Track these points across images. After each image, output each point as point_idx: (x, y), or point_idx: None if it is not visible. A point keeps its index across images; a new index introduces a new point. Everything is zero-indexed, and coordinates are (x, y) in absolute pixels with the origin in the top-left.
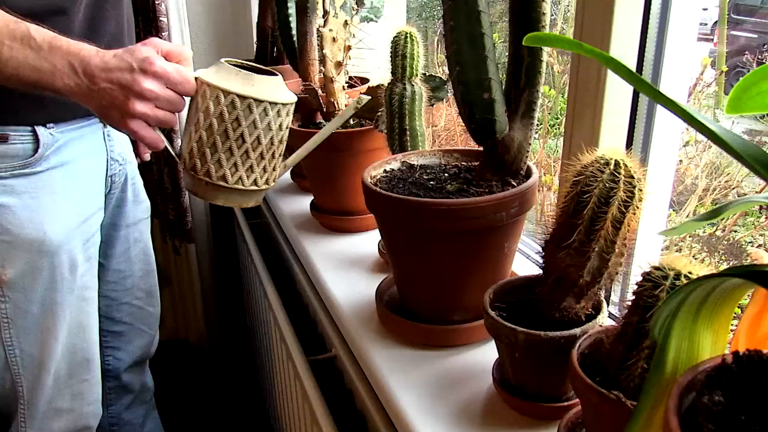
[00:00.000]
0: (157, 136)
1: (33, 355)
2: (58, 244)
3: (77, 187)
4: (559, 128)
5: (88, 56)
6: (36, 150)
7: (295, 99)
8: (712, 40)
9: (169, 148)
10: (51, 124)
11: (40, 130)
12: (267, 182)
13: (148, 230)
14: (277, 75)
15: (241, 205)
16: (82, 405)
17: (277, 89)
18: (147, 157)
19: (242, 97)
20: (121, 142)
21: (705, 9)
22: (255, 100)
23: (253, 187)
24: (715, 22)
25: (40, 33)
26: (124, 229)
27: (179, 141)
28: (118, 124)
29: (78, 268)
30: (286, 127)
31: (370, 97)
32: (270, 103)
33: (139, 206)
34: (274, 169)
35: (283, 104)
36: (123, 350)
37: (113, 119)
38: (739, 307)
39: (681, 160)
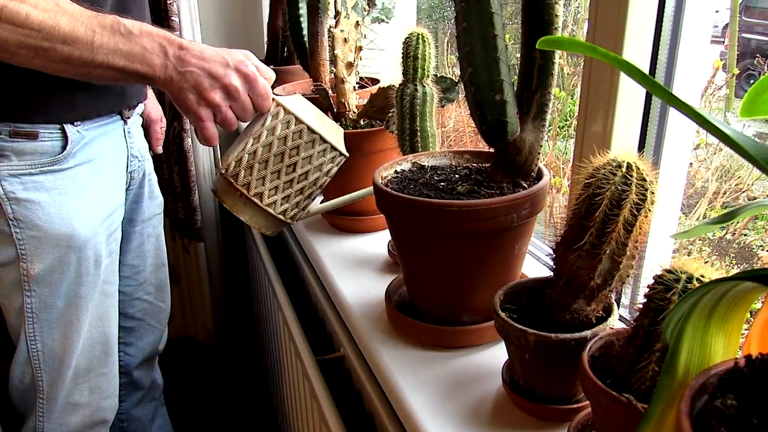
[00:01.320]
0: (216, 132)
1: (54, 350)
2: (85, 239)
3: (102, 183)
4: (568, 130)
5: (182, 42)
6: (64, 147)
7: (347, 155)
8: (723, 42)
9: (218, 149)
10: (78, 122)
11: (68, 127)
12: (293, 218)
13: (161, 225)
14: (340, 129)
15: (261, 228)
16: (99, 399)
17: (340, 138)
18: (159, 149)
19: (312, 131)
20: (139, 139)
21: (716, 11)
22: (321, 138)
23: (280, 216)
24: (726, 24)
25: (128, 21)
26: (139, 224)
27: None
28: (191, 107)
29: (102, 262)
30: (331, 176)
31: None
32: (331, 146)
33: (154, 202)
34: (303, 209)
35: (339, 153)
36: (134, 346)
37: (187, 101)
38: (750, 313)
39: (691, 163)
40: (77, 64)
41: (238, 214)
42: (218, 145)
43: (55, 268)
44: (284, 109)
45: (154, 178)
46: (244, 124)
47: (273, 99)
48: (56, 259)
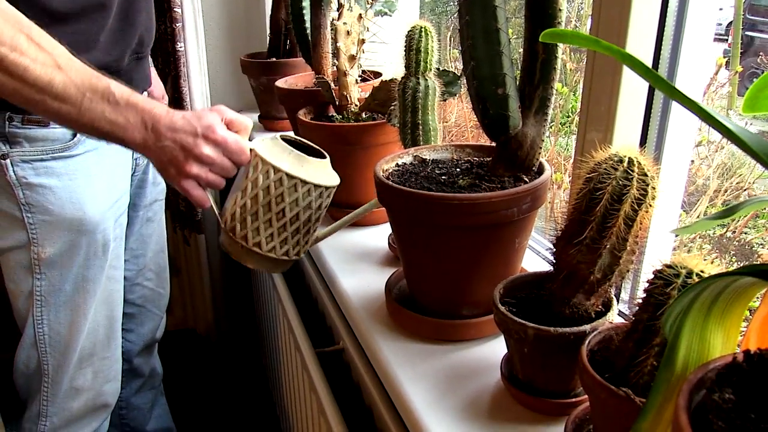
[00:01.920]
0: (205, 195)
1: (61, 333)
2: (95, 223)
3: (109, 169)
4: (570, 126)
5: (159, 115)
6: (75, 134)
7: (337, 182)
8: (727, 40)
9: (215, 208)
10: None
11: None
12: (297, 254)
13: (162, 211)
14: (326, 158)
15: (269, 271)
16: (102, 383)
17: (324, 173)
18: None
19: (290, 177)
20: None
21: (720, 9)
22: (302, 181)
23: (284, 258)
24: (730, 22)
25: (119, 89)
26: (142, 209)
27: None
28: (173, 179)
29: (109, 246)
30: (325, 207)
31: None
32: (314, 185)
33: (157, 187)
34: (306, 243)
35: (326, 187)
36: (135, 332)
37: (169, 174)
38: (748, 310)
39: (693, 161)
40: (65, 119)
41: (245, 263)
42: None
43: (65, 252)
44: (261, 160)
45: None
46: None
47: (251, 150)
48: (67, 242)
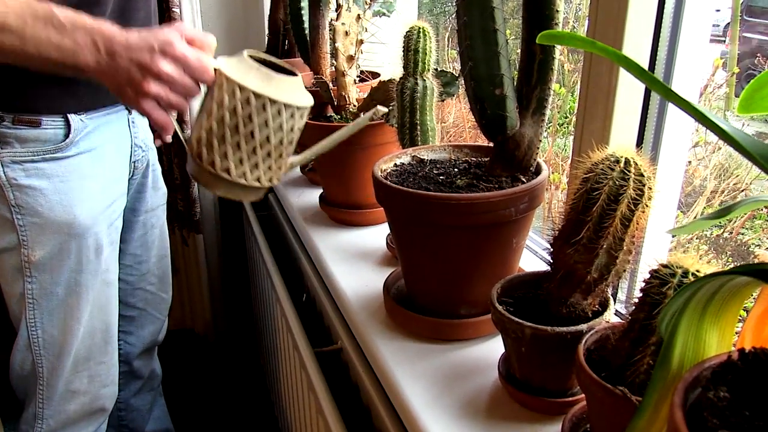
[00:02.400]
0: (167, 118)
1: (55, 337)
2: (86, 227)
3: (104, 172)
4: (567, 127)
5: (110, 34)
6: (67, 135)
7: (311, 102)
8: (724, 41)
9: (179, 131)
10: (82, 112)
11: (71, 116)
12: (270, 180)
13: (165, 216)
14: (297, 75)
15: (240, 198)
16: (98, 387)
17: (295, 91)
18: (168, 139)
19: (258, 96)
20: (144, 129)
21: (717, 10)
22: (270, 100)
23: (256, 184)
24: (728, 23)
25: (63, 12)
26: (143, 214)
27: (189, 130)
28: (132, 102)
29: (103, 251)
30: (298, 129)
31: (387, 110)
32: (285, 105)
33: (158, 192)
34: (279, 169)
35: (297, 107)
36: (135, 335)
37: (128, 97)
38: (744, 310)
39: (690, 162)
40: (11, 53)
41: (214, 191)
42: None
43: (55, 255)
44: (225, 78)
45: (158, 168)
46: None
47: (215, 69)
48: (56, 246)
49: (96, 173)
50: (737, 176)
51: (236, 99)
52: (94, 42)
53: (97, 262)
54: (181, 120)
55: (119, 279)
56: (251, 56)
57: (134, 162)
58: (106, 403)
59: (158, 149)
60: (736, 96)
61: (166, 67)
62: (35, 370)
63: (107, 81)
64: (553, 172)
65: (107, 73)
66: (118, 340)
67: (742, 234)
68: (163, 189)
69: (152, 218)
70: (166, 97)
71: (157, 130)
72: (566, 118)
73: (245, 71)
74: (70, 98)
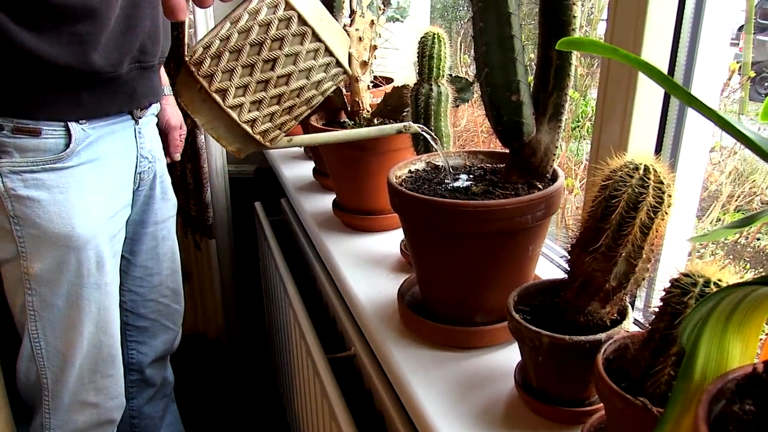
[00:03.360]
0: (183, 2)
1: (58, 348)
2: (85, 240)
3: (106, 183)
4: (580, 131)
5: None
6: (68, 145)
7: (350, 72)
8: (738, 44)
9: (186, 32)
10: (84, 120)
11: (72, 125)
12: (263, 135)
13: (174, 226)
14: (346, 36)
15: (218, 138)
16: (106, 400)
17: (342, 43)
18: (177, 156)
19: (303, 21)
20: (151, 140)
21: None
22: (314, 33)
23: (246, 127)
24: (741, 26)
25: None
26: (152, 226)
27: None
28: None
29: (105, 264)
30: (321, 94)
31: (419, 129)
32: (327, 47)
33: (167, 203)
34: (278, 128)
35: (336, 61)
36: (147, 345)
37: None
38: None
39: (705, 167)
40: None
41: (195, 115)
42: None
43: (54, 268)
44: None
45: (167, 179)
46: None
47: None
48: (55, 258)
49: (98, 184)
50: (753, 181)
51: (275, 15)
52: None
53: (99, 275)
54: (194, 126)
55: (130, 290)
56: None
57: (140, 173)
58: (114, 415)
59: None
60: (751, 99)
61: None
62: (40, 380)
63: None
64: (566, 177)
65: None
66: (131, 350)
67: (759, 239)
68: (173, 200)
69: (163, 230)
70: None
71: (169, 13)
72: (578, 122)
73: None
74: (71, 106)
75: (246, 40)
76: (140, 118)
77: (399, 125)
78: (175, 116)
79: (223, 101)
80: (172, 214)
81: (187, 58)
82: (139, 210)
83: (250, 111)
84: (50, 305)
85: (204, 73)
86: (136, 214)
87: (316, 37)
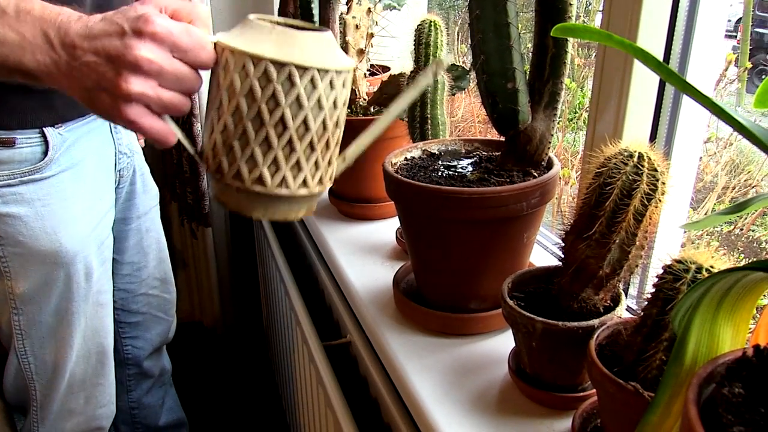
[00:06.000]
0: (165, 126)
1: (46, 363)
2: (73, 254)
3: (88, 188)
4: (577, 122)
5: (66, 22)
6: (45, 153)
7: (352, 64)
8: (735, 37)
9: (185, 142)
10: (59, 124)
11: (48, 131)
12: (321, 182)
13: (158, 216)
14: (326, 30)
15: (287, 216)
16: (94, 408)
17: (327, 51)
18: (142, 142)
19: (280, 64)
20: (128, 133)
21: (730, 5)
22: (298, 67)
23: (303, 191)
24: (739, 18)
25: None
26: (135, 221)
27: (200, 134)
28: (111, 112)
29: (93, 274)
30: (343, 105)
31: (451, 61)
32: (319, 70)
33: (149, 194)
34: (329, 164)
35: (337, 71)
36: (142, 339)
37: (103, 106)
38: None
39: (701, 157)
40: None
41: (250, 213)
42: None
43: (42, 286)
44: (231, 51)
45: (147, 170)
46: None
47: (215, 44)
48: (42, 276)
49: (79, 191)
50: (748, 172)
51: (251, 77)
52: (45, 34)
53: (88, 286)
54: (190, 113)
55: (120, 288)
56: (261, 18)
57: (119, 171)
58: (102, 423)
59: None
60: (748, 92)
61: (146, 51)
62: (28, 392)
63: (71, 88)
64: (562, 167)
65: (68, 76)
66: (125, 346)
67: (753, 230)
68: (155, 190)
69: (146, 222)
70: (156, 96)
71: (153, 144)
72: (576, 112)
73: (255, 37)
74: (45, 110)
75: (244, 119)
76: None
77: (432, 67)
78: None
79: (265, 187)
80: (154, 203)
81: (206, 167)
82: (121, 207)
83: (294, 177)
84: (38, 322)
85: (230, 174)
86: (119, 212)
87: (302, 68)
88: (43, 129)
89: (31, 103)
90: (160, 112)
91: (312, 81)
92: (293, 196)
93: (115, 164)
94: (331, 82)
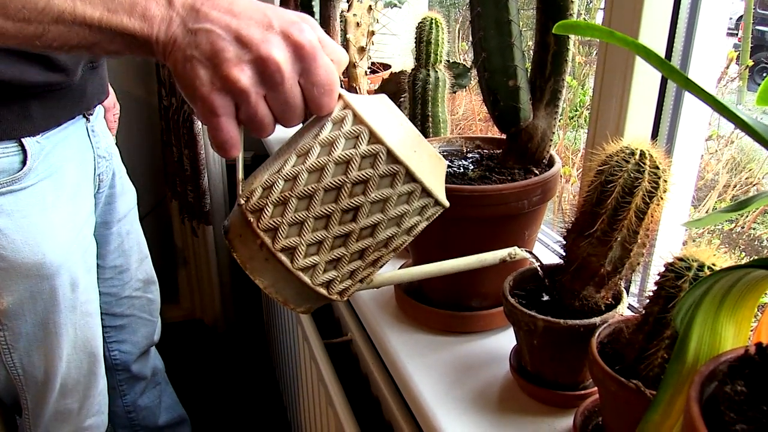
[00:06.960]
0: (237, 136)
1: (36, 375)
2: (58, 265)
3: (68, 195)
4: (578, 120)
5: None
6: (24, 162)
7: (447, 205)
8: (737, 34)
9: (240, 163)
10: (37, 133)
11: (26, 140)
12: (341, 294)
13: (137, 217)
14: (443, 161)
15: (286, 302)
16: (85, 417)
17: (439, 177)
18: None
19: (394, 159)
20: (105, 136)
21: (731, 3)
22: (408, 172)
23: (321, 290)
24: (740, 16)
25: None
26: (116, 224)
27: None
28: (199, 89)
29: (79, 284)
30: (414, 235)
31: (526, 254)
32: (423, 189)
33: (127, 196)
34: (360, 281)
35: (435, 201)
36: (128, 342)
37: (195, 81)
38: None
39: (702, 155)
40: (19, 20)
41: (254, 276)
42: (242, 158)
43: (26, 300)
44: (354, 114)
45: (124, 172)
46: (288, 131)
47: (340, 96)
48: (26, 290)
49: (60, 200)
50: (750, 170)
51: (357, 150)
52: None
53: (74, 297)
54: (191, 111)
55: (104, 293)
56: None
57: (99, 175)
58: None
59: (163, 140)
60: (749, 90)
61: (280, 56)
62: (20, 401)
63: (172, 54)
64: (563, 165)
65: (176, 40)
66: (112, 351)
67: (754, 228)
68: (132, 191)
69: (126, 224)
70: (254, 103)
71: (214, 148)
72: (577, 111)
73: (385, 116)
74: (21, 120)
75: (319, 183)
76: (91, 115)
77: (503, 253)
78: (108, 97)
79: (292, 263)
80: (132, 205)
81: (242, 201)
82: (101, 212)
83: (325, 272)
84: (25, 335)
85: (266, 226)
86: (99, 216)
87: (411, 177)
88: (21, 139)
89: (8, 114)
90: (242, 121)
91: (410, 194)
92: (308, 288)
93: (95, 169)
94: (423, 207)
